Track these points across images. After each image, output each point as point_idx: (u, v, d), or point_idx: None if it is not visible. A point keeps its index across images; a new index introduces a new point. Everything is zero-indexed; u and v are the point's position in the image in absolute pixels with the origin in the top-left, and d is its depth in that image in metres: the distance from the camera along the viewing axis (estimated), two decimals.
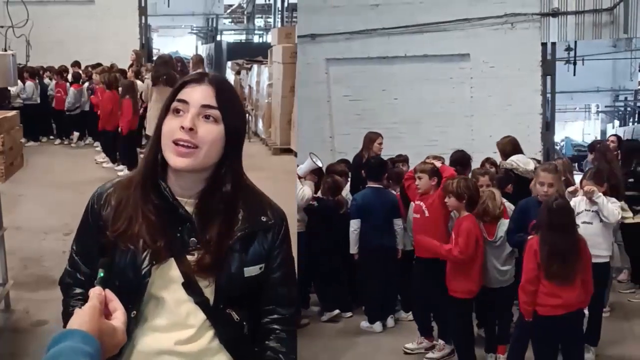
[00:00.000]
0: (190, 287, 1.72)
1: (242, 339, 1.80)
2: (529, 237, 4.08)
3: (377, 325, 5.36)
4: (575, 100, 20.64)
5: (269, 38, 20.78)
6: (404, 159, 6.52)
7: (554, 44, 8.86)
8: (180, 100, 1.66)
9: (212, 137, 1.65)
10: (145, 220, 1.70)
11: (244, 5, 29.96)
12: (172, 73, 8.32)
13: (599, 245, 4.59)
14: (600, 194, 4.61)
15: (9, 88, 11.12)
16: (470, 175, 5.21)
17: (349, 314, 5.69)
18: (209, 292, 1.73)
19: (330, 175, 5.93)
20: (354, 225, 5.35)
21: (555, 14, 8.71)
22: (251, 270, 1.76)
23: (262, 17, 29.75)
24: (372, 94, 9.49)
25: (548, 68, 8.90)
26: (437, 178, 4.85)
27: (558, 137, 18.94)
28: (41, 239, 6.74)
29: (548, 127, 8.99)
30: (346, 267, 5.64)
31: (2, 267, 5.06)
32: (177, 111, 1.66)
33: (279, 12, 24.05)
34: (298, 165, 5.83)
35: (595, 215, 4.63)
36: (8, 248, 5.18)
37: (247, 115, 2.04)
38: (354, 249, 5.38)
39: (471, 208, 4.44)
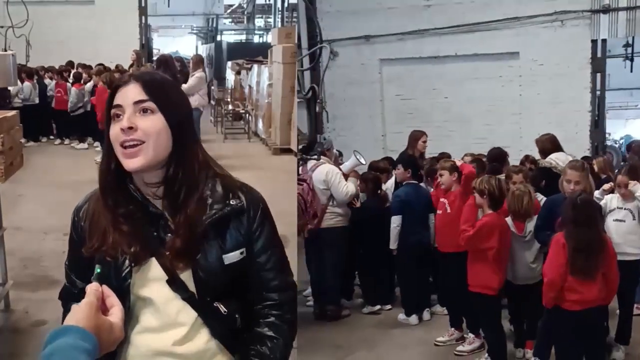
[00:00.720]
0: (175, 284, 1.70)
1: (235, 333, 1.77)
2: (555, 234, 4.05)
3: (413, 318, 5.52)
4: (635, 97, 20.29)
5: (269, 38, 20.77)
6: (446, 157, 6.52)
7: (604, 40, 8.90)
8: (115, 106, 1.67)
9: (154, 129, 1.65)
10: (118, 231, 1.70)
11: (244, 5, 29.95)
12: (174, 74, 8.58)
13: (632, 243, 4.58)
14: None
15: (9, 88, 11.12)
16: (505, 172, 5.33)
17: (389, 306, 5.86)
18: (192, 285, 1.71)
19: (370, 172, 6.13)
20: (396, 221, 5.47)
21: (606, 10, 8.69)
22: (231, 257, 1.73)
23: (262, 17, 29.74)
24: (423, 93, 9.74)
25: (598, 65, 8.95)
26: (458, 174, 5.05)
27: (618, 135, 18.89)
28: (41, 239, 6.69)
29: (597, 125, 9.04)
30: (388, 261, 5.77)
31: (1, 267, 5.04)
32: (117, 116, 1.66)
33: (279, 12, 24.02)
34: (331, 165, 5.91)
35: (628, 213, 4.61)
36: (8, 248, 5.17)
37: (188, 100, 1.96)
38: (394, 245, 5.52)
39: (495, 206, 4.49)
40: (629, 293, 4.68)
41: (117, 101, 1.67)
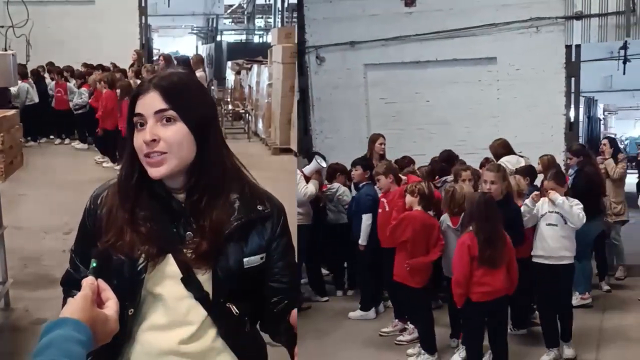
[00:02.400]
0: (190, 283, 1.70)
1: (244, 335, 1.79)
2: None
3: (371, 313, 5.79)
4: (637, 99, 20.30)
5: (269, 38, 20.77)
6: (409, 160, 6.78)
7: (578, 46, 9.05)
8: (137, 115, 1.66)
9: (177, 139, 1.64)
10: (136, 232, 1.70)
11: (244, 6, 29.93)
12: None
13: (567, 247, 4.67)
14: (562, 197, 4.67)
15: (9, 88, 11.10)
16: (453, 171, 5.78)
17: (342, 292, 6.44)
18: (208, 285, 1.71)
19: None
20: (368, 219, 5.64)
21: (578, 17, 8.85)
22: (252, 261, 1.75)
23: (262, 17, 29.73)
24: (406, 97, 9.98)
25: (572, 70, 9.11)
26: (393, 175, 5.49)
27: (626, 136, 18.99)
28: (41, 238, 6.72)
29: (571, 127, 9.22)
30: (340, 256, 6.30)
31: (2, 266, 5.05)
32: (139, 124, 1.66)
33: (279, 12, 24.03)
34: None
35: (560, 217, 4.69)
36: (8, 247, 5.18)
37: (212, 101, 1.87)
38: (364, 241, 5.67)
39: (425, 205, 4.85)
40: (565, 294, 4.82)
41: (138, 109, 1.66)
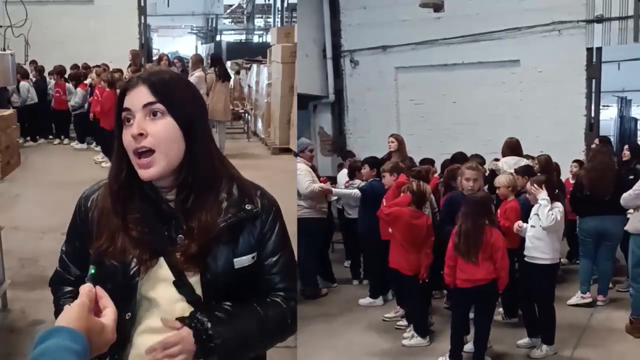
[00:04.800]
0: (182, 286, 1.68)
1: None
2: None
3: (379, 300, 6.15)
4: None
5: (269, 38, 20.77)
6: (429, 162, 7.23)
7: (599, 48, 9.33)
8: (125, 109, 1.64)
9: (165, 134, 1.62)
10: (127, 236, 1.68)
11: (244, 5, 30.01)
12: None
13: (540, 248, 4.80)
14: (545, 197, 4.80)
15: (8, 88, 11.08)
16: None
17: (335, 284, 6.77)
18: (199, 288, 1.69)
19: None
20: (356, 194, 6.30)
21: (599, 20, 9.14)
22: (243, 261, 1.72)
23: (261, 17, 29.83)
24: (433, 98, 10.48)
25: (593, 72, 9.39)
26: (397, 174, 5.79)
27: None
28: (39, 239, 6.67)
29: (592, 128, 9.48)
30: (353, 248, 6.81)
31: None
32: (127, 120, 1.64)
33: (279, 12, 24.07)
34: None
35: (538, 219, 4.84)
36: (5, 248, 5.14)
37: (201, 99, 1.68)
38: (337, 195, 6.62)
39: (415, 204, 5.15)
40: (543, 294, 4.85)
41: (126, 104, 1.64)
